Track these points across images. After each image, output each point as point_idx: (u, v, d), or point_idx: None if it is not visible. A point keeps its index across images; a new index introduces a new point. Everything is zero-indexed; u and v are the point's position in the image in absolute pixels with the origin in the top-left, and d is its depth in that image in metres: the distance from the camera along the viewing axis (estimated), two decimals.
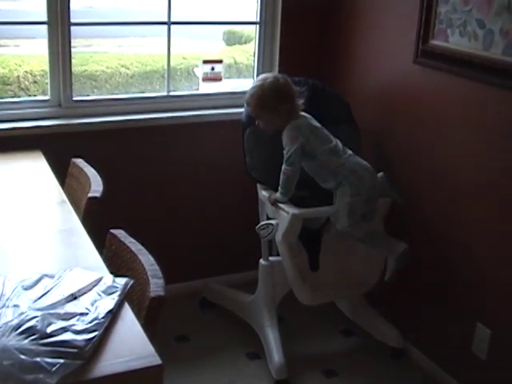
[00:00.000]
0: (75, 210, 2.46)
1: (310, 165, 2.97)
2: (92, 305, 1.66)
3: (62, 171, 2.86)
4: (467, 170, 2.86)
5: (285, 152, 2.92)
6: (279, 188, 2.96)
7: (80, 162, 2.85)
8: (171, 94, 3.53)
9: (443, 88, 2.94)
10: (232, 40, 4.86)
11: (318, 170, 2.98)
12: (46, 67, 3.24)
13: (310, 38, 3.64)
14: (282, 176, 2.94)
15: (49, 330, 1.52)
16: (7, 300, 1.64)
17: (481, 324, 2.86)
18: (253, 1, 3.61)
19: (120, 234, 2.11)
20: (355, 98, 3.44)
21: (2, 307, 1.61)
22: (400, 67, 3.18)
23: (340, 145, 2.98)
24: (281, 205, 2.95)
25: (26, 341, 1.47)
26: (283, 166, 2.93)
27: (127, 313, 1.71)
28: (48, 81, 3.24)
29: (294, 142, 2.90)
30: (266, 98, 2.95)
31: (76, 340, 1.51)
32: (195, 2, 4.53)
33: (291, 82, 3.01)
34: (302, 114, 2.99)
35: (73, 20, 3.16)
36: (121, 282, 1.79)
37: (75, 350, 1.48)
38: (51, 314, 1.58)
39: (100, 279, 1.79)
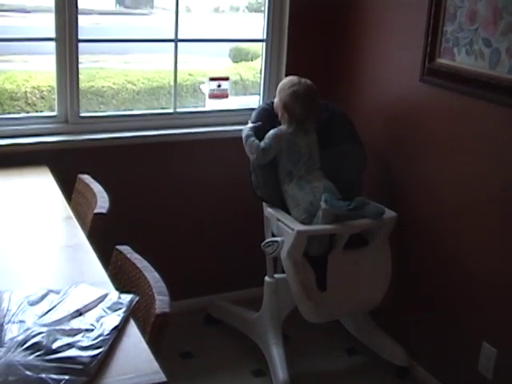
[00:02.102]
0: (81, 225, 2.46)
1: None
2: (97, 321, 1.65)
3: (68, 187, 2.87)
4: (473, 187, 2.85)
5: (265, 140, 3.10)
6: (247, 137, 3.12)
7: (86, 177, 2.86)
8: (178, 110, 3.54)
9: (449, 106, 2.95)
10: (238, 57, 4.87)
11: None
12: (53, 83, 3.25)
13: (316, 56, 3.65)
14: (255, 142, 3.09)
15: (54, 346, 1.52)
16: (13, 315, 1.64)
17: (486, 343, 2.85)
18: (259, 18, 3.63)
19: (126, 250, 2.11)
20: (361, 116, 3.44)
21: (8, 323, 1.61)
22: (406, 85, 3.19)
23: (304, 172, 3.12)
24: (285, 221, 2.96)
25: (32, 357, 1.47)
26: (261, 144, 3.09)
27: (132, 329, 1.71)
28: (55, 96, 3.25)
29: (277, 141, 3.09)
30: (295, 90, 3.10)
31: (81, 356, 1.50)
32: (202, 20, 4.55)
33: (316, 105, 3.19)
34: (297, 130, 3.12)
35: (80, 36, 3.18)
36: (126, 298, 1.79)
37: (80, 367, 1.48)
38: (57, 330, 1.58)
39: (105, 295, 1.78)
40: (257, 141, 3.09)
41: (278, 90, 3.18)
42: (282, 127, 3.13)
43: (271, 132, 3.11)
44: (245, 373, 3.26)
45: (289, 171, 3.10)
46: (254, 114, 3.25)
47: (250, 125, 3.18)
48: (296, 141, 3.10)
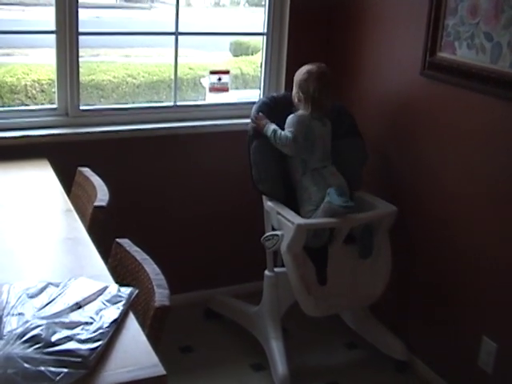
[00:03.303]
0: (81, 218, 2.46)
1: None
2: (97, 314, 1.65)
3: (68, 180, 2.86)
4: (473, 180, 2.85)
5: (289, 129, 3.07)
6: (273, 133, 3.06)
7: (86, 170, 2.85)
8: (178, 104, 3.54)
9: (450, 100, 2.94)
10: (238, 51, 4.87)
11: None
12: (54, 76, 3.25)
13: (316, 50, 3.64)
14: (282, 135, 3.05)
15: (53, 338, 1.51)
16: (12, 308, 1.63)
17: (487, 338, 2.85)
18: (260, 12, 3.62)
19: (125, 243, 2.11)
20: (362, 110, 3.44)
21: (7, 315, 1.60)
22: (407, 79, 3.18)
23: (318, 164, 3.10)
24: (285, 214, 2.96)
25: (31, 349, 1.47)
26: (288, 134, 3.05)
27: (132, 322, 1.71)
28: (55, 89, 3.25)
29: (300, 126, 3.08)
30: (315, 75, 3.10)
31: (80, 349, 1.50)
32: (202, 14, 4.55)
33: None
34: (314, 115, 3.11)
35: (81, 29, 3.17)
36: (126, 291, 1.78)
37: (79, 360, 1.47)
38: (56, 323, 1.57)
39: (105, 288, 1.78)
40: (283, 132, 3.07)
41: (294, 80, 3.18)
42: (299, 112, 3.12)
43: (290, 119, 3.10)
44: (244, 367, 3.26)
45: (303, 159, 3.09)
46: (254, 107, 3.23)
47: (255, 115, 3.15)
48: (312, 126, 3.09)
